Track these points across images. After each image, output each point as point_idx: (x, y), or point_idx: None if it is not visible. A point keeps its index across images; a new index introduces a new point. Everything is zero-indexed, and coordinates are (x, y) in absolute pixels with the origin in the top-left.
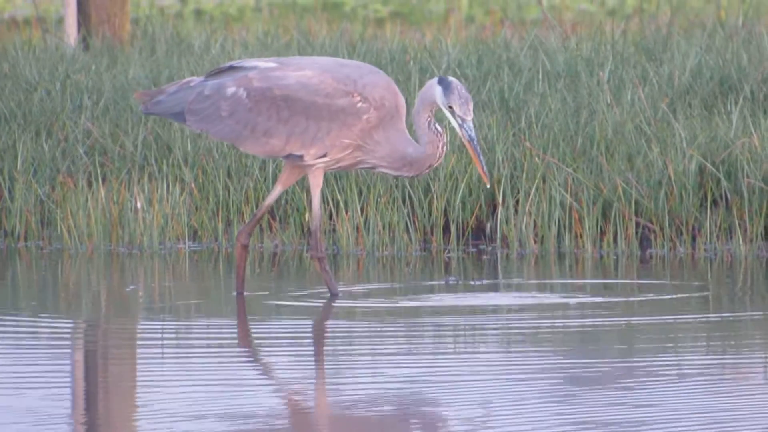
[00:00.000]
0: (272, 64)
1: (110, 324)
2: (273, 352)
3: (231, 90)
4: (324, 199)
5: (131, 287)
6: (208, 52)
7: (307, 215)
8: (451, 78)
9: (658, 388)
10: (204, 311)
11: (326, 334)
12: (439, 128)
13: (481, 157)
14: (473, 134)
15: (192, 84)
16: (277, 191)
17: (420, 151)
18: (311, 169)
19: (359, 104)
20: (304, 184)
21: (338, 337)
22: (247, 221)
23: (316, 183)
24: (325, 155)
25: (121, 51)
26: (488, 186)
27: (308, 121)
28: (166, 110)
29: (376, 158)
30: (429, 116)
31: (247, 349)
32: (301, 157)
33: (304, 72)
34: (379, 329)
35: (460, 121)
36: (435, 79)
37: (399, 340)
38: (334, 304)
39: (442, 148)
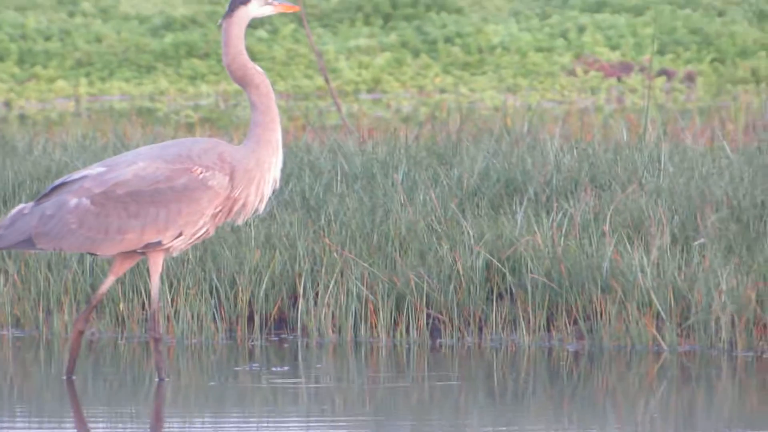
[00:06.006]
0: (102, 169)
1: None
2: None
3: (73, 202)
4: (137, 290)
5: None
6: (31, 153)
7: (121, 305)
8: None
9: None
10: (27, 395)
11: (145, 418)
12: (258, 68)
13: None
14: None
15: (25, 211)
16: (110, 280)
17: (255, 120)
18: (152, 255)
19: (201, 175)
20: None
21: (158, 420)
22: (83, 309)
23: (155, 269)
24: (180, 234)
25: None
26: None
27: (157, 208)
28: (11, 243)
29: (257, 177)
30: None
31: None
32: (159, 242)
33: (137, 164)
34: (188, 417)
35: None
36: (229, 7)
37: (205, 426)
38: (158, 388)
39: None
